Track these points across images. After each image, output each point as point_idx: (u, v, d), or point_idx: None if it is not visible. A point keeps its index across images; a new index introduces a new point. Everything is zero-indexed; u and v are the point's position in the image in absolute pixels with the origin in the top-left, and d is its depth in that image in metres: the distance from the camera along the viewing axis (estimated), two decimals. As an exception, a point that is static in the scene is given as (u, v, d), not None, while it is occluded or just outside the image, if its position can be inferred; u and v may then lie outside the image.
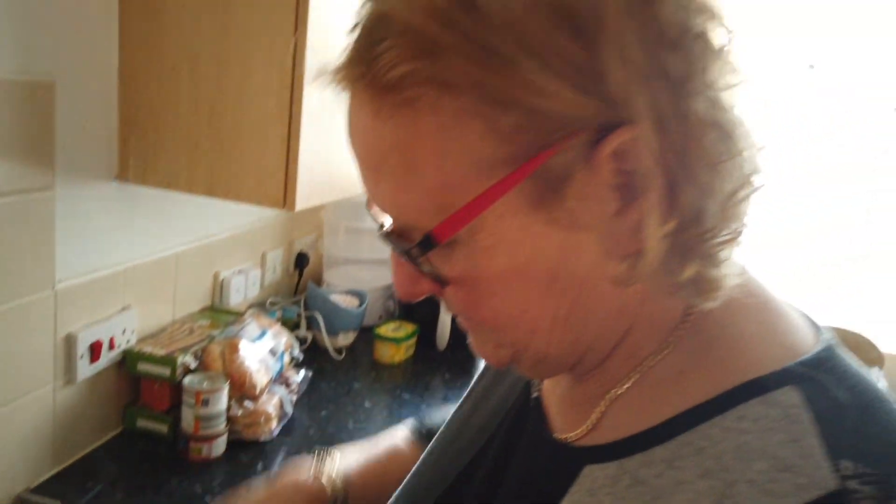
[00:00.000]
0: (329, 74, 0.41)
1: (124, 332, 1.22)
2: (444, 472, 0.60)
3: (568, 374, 0.51)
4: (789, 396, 0.38)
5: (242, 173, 1.09)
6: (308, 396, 1.48)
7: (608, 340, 0.46)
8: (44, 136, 1.00)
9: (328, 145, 1.13)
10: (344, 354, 1.73)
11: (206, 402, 1.19)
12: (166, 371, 1.22)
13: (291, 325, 1.69)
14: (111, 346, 1.19)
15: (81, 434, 1.18)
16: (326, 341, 1.69)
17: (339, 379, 1.61)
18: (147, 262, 1.28)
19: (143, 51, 1.09)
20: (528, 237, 0.40)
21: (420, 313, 1.78)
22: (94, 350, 1.15)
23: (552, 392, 0.54)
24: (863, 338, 1.81)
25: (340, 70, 0.40)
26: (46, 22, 0.97)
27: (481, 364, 0.70)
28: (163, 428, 1.25)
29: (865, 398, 0.39)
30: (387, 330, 1.74)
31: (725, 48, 0.38)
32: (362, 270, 1.89)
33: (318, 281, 1.95)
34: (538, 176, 0.37)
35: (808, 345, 0.42)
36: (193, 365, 1.26)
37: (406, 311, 1.89)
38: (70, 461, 1.16)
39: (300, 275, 1.89)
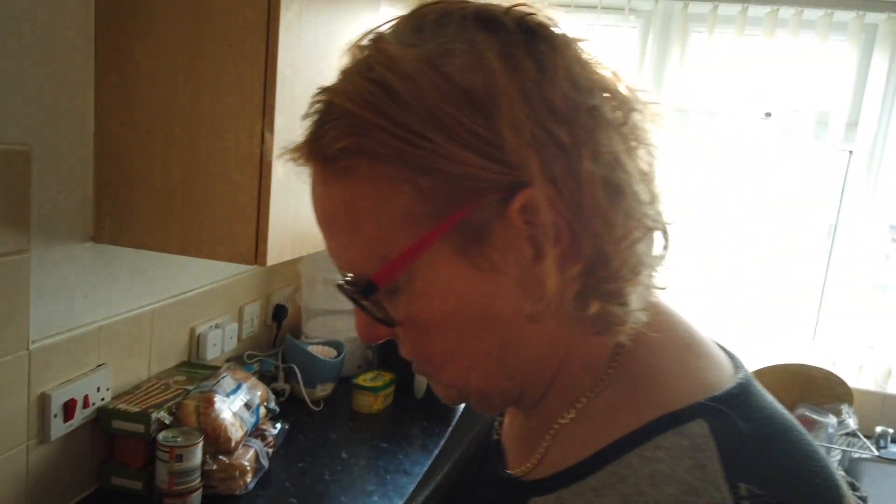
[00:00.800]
0: (290, 152, 0.48)
1: (99, 389, 1.24)
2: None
3: (519, 413, 0.57)
4: (699, 428, 0.43)
5: (214, 232, 1.13)
6: (285, 449, 1.49)
7: (542, 377, 0.51)
8: (19, 201, 1.03)
9: (299, 200, 1.17)
10: (322, 405, 1.74)
11: (180, 458, 1.20)
12: (140, 428, 1.23)
13: (269, 378, 1.71)
14: (86, 405, 1.21)
15: (55, 494, 1.19)
16: (304, 393, 1.70)
17: (317, 430, 1.62)
18: (122, 319, 1.30)
19: (118, 116, 1.14)
20: (457, 282, 0.46)
21: (398, 362, 1.80)
22: (69, 409, 1.17)
23: (509, 432, 0.59)
24: (832, 375, 1.84)
25: (298, 148, 0.48)
26: (23, 91, 1.02)
27: (458, 412, 0.73)
28: (137, 485, 1.26)
29: (769, 429, 0.44)
30: (365, 379, 1.76)
31: (619, 119, 0.45)
32: (340, 321, 1.92)
33: (297, 333, 1.97)
34: (460, 229, 0.44)
35: (723, 381, 0.47)
36: (168, 421, 1.27)
37: (384, 360, 1.91)
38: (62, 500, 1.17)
39: (279, 327, 1.91)
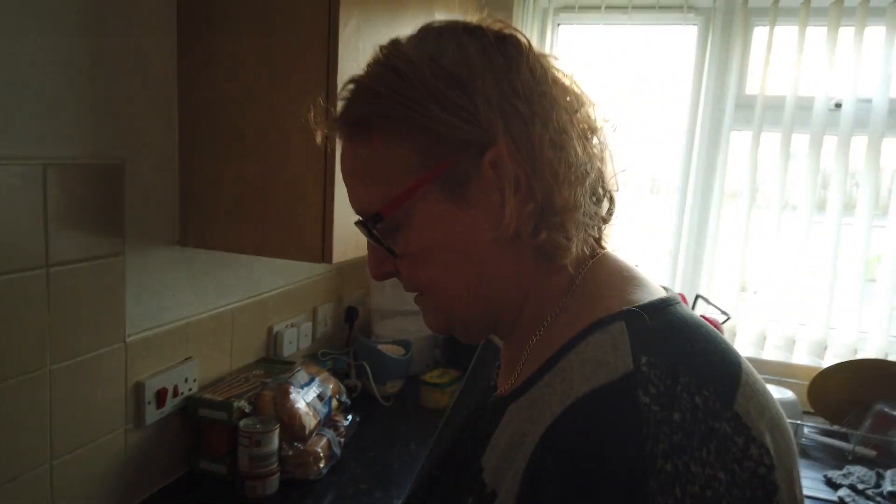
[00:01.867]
0: (326, 124, 0.65)
1: (186, 380, 1.36)
2: (438, 453, 0.76)
3: (502, 345, 0.71)
4: (618, 325, 0.56)
5: (286, 233, 1.23)
6: (356, 440, 1.58)
7: (512, 306, 0.64)
8: (115, 210, 1.16)
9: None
10: (392, 401, 1.82)
11: (258, 443, 1.30)
12: (224, 415, 1.34)
13: (342, 375, 1.80)
14: (175, 394, 1.33)
15: (150, 475, 1.31)
16: (374, 389, 1.79)
17: (386, 423, 1.70)
18: (207, 316, 1.42)
19: (199, 132, 1.26)
20: (443, 218, 0.60)
21: (464, 361, 1.86)
22: (160, 397, 1.29)
23: (503, 366, 0.71)
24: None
25: (332, 119, 0.64)
26: (117, 112, 1.15)
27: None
28: (222, 469, 1.37)
29: (676, 326, 0.57)
30: (432, 376, 1.83)
31: (570, 105, 0.61)
32: (408, 322, 2.00)
33: (368, 333, 2.06)
34: (447, 177, 0.59)
35: (648, 299, 0.59)
36: (248, 409, 1.38)
37: (450, 358, 1.98)
38: (140, 499, 1.29)
39: (350, 327, 2.01)
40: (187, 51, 1.25)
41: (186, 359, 1.37)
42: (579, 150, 0.60)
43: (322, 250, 1.22)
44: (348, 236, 1.25)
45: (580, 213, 0.61)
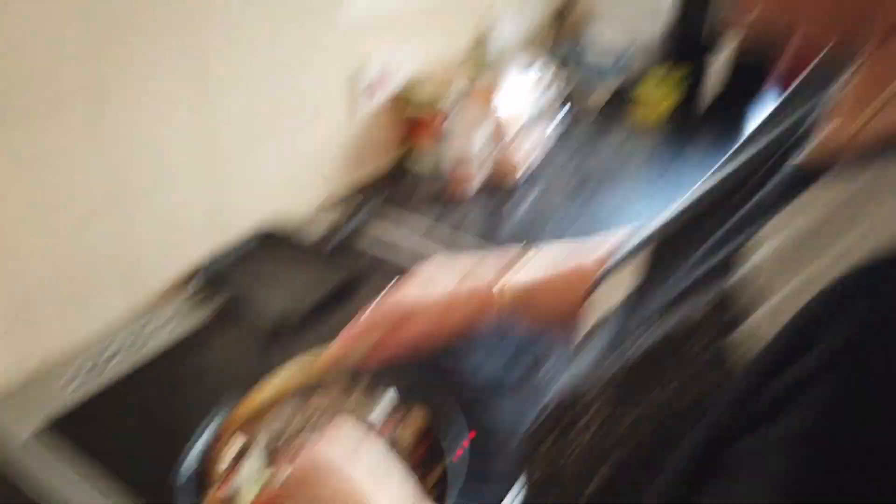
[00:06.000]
0: None
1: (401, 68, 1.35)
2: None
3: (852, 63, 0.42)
4: None
5: None
6: (560, 145, 1.53)
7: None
8: None
9: None
10: (602, 108, 1.72)
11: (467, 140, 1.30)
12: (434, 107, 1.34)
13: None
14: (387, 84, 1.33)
15: (368, 156, 1.39)
16: (584, 94, 1.69)
17: (592, 133, 1.63)
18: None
19: None
20: None
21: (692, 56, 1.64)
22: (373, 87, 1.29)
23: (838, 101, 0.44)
24: None
25: None
26: None
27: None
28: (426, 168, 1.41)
29: None
30: (648, 85, 1.67)
31: None
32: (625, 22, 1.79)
33: (577, 36, 1.89)
34: None
35: None
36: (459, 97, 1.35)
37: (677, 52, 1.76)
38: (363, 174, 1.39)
39: (559, 27, 1.85)
40: None
41: (402, 45, 1.34)
42: None
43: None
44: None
45: None
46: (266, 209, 1.19)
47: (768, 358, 0.33)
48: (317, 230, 1.20)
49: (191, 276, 1.07)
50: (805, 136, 0.45)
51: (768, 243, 0.38)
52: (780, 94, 0.55)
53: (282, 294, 1.04)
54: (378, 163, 1.42)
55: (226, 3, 0.98)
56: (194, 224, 1.07)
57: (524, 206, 1.35)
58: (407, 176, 1.42)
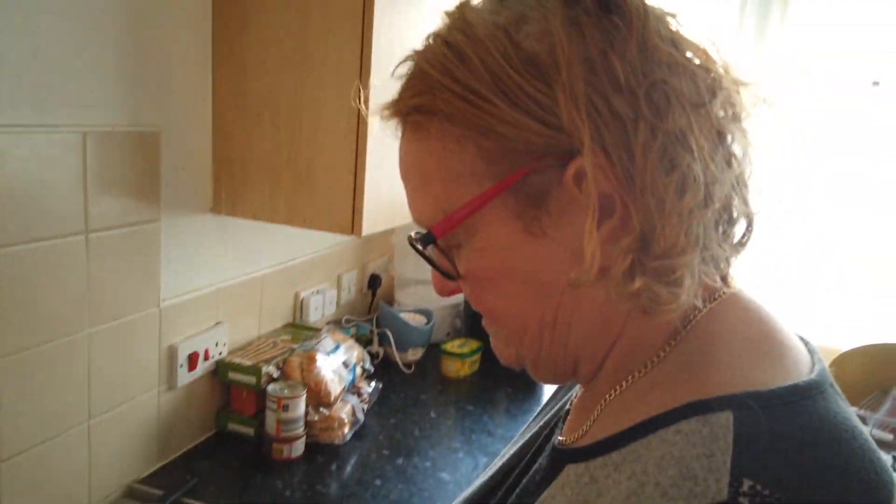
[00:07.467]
0: (381, 109, 0.53)
1: (217, 344, 1.39)
2: (488, 483, 0.65)
3: (581, 386, 0.58)
4: (723, 419, 0.41)
5: (316, 204, 1.24)
6: (379, 406, 1.62)
7: (596, 352, 0.51)
8: (151, 177, 1.18)
9: (391, 175, 1.26)
10: (413, 368, 1.86)
11: (286, 408, 1.34)
12: (253, 379, 1.38)
13: (365, 341, 1.84)
14: (206, 357, 1.36)
15: (181, 434, 1.36)
16: (396, 356, 1.82)
17: (408, 391, 1.74)
18: (237, 283, 1.45)
19: (232, 102, 1.27)
20: (509, 244, 0.48)
21: (485, 331, 1.88)
22: (192, 360, 1.32)
23: (576, 402, 0.59)
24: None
25: (386, 106, 0.52)
26: (152, 81, 1.16)
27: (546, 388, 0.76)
28: (250, 431, 1.41)
29: (810, 434, 0.41)
30: (453, 346, 1.85)
31: (695, 99, 0.44)
32: (430, 291, 2.00)
33: (390, 300, 2.09)
34: (518, 191, 0.46)
35: (775, 380, 0.44)
36: (276, 374, 1.41)
37: (471, 329, 2.00)
38: (172, 457, 1.34)
39: (373, 295, 2.04)
40: (221, 23, 1.25)
41: (217, 323, 1.40)
42: (705, 162, 0.43)
43: (352, 223, 1.23)
44: (378, 209, 1.26)
45: (697, 253, 0.44)
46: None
47: None
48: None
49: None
50: (563, 419, 0.58)
51: None
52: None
53: None
54: (201, 431, 1.40)
55: None
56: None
57: (352, 462, 1.38)
58: (229, 442, 1.41)
